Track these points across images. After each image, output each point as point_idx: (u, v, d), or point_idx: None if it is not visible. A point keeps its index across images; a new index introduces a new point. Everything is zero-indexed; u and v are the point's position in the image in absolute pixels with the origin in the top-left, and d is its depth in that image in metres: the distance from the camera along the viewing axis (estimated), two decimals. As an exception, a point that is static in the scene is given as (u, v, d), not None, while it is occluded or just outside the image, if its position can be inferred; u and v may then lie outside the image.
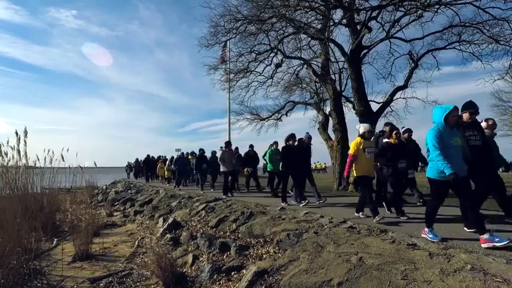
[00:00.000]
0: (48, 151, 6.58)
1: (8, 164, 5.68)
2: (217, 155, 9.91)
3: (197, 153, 10.84)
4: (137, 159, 21.00)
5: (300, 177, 6.45)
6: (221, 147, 9.64)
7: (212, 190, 9.88)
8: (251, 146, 9.99)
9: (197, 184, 11.53)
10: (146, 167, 16.68)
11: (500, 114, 18.55)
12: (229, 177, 8.50)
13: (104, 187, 18.51)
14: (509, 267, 2.22)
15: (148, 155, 16.91)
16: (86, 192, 11.79)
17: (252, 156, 9.98)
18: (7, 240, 3.58)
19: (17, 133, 5.47)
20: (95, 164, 7.19)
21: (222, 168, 8.38)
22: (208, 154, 11.01)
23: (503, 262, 2.32)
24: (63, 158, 6.65)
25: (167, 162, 13.83)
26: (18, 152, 5.59)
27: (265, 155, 9.17)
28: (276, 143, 8.58)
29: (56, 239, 5.74)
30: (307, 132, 7.07)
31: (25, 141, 5.57)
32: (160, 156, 16.63)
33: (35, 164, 6.41)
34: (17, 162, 5.74)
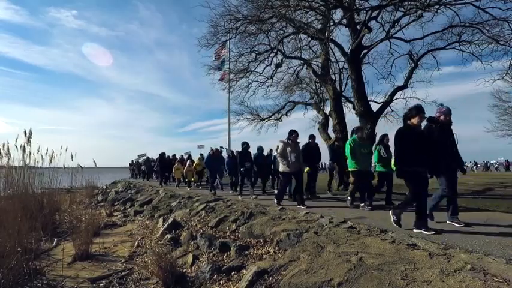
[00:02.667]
0: (47, 151, 6.58)
1: (13, 164, 5.70)
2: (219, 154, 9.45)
3: (216, 148, 9.56)
4: (148, 158, 18.24)
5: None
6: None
7: (254, 197, 7.44)
8: (312, 137, 7.43)
9: (233, 188, 9.31)
10: (161, 168, 13.66)
11: (500, 114, 18.56)
12: (290, 181, 6.29)
13: (104, 187, 18.51)
14: (509, 267, 2.22)
15: (163, 153, 13.94)
16: (86, 192, 11.80)
17: (313, 149, 7.33)
18: (7, 240, 3.58)
19: (25, 133, 5.54)
20: (95, 162, 7.18)
21: (282, 167, 5.98)
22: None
23: (503, 262, 2.32)
24: (72, 158, 6.70)
25: (187, 163, 12.21)
26: (24, 151, 5.62)
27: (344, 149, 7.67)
28: (359, 128, 5.99)
29: (56, 239, 5.74)
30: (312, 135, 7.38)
31: (30, 141, 5.61)
32: (174, 155, 14.50)
33: (38, 164, 6.42)
34: (20, 162, 5.77)
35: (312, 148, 7.22)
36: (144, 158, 18.68)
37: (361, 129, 5.73)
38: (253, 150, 8.52)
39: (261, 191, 8.83)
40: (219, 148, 9.98)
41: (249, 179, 8.09)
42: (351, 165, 5.57)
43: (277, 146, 8.36)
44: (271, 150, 9.22)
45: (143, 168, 18.40)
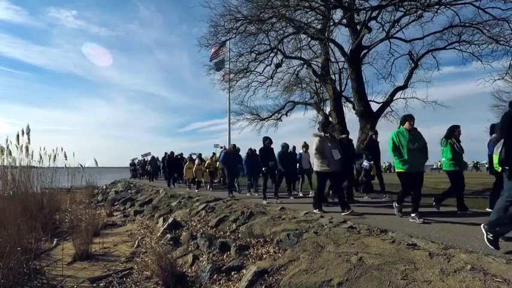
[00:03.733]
0: (45, 150, 6.59)
1: (15, 163, 5.71)
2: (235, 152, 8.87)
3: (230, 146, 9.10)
4: (153, 157, 17.04)
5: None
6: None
7: (277, 201, 6.51)
8: (347, 133, 7.02)
9: (252, 189, 8.55)
10: (170, 168, 12.55)
11: (500, 114, 18.56)
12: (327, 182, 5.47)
13: (104, 187, 18.52)
14: (509, 267, 2.22)
15: (172, 152, 12.91)
16: (86, 192, 11.80)
17: (347, 146, 6.31)
18: (7, 240, 3.58)
19: (23, 132, 5.49)
20: (96, 162, 7.18)
21: (317, 167, 5.05)
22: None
23: (503, 262, 2.32)
24: (66, 157, 6.68)
25: (196, 161, 11.05)
26: (27, 150, 5.62)
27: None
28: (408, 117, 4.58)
29: (56, 239, 5.74)
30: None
31: (29, 139, 5.59)
32: (182, 154, 13.61)
33: (39, 163, 6.43)
34: (20, 162, 5.77)
35: (345, 145, 6.13)
36: (149, 157, 17.67)
37: (412, 119, 4.45)
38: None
39: (286, 193, 7.67)
40: (235, 145, 9.49)
41: (274, 180, 7.25)
42: (397, 166, 4.41)
43: (304, 142, 8.11)
44: (294, 148, 8.33)
45: (148, 168, 17.26)
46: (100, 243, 5.53)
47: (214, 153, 12.37)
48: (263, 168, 7.05)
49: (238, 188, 9.43)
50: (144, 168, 19.11)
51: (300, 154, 8.12)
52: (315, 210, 5.02)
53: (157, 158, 16.87)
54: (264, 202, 6.46)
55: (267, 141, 7.17)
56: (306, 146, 8.14)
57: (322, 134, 5.12)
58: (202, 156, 11.69)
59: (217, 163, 10.95)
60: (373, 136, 6.85)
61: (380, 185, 6.92)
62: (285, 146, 7.37)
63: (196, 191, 9.90)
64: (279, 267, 3.10)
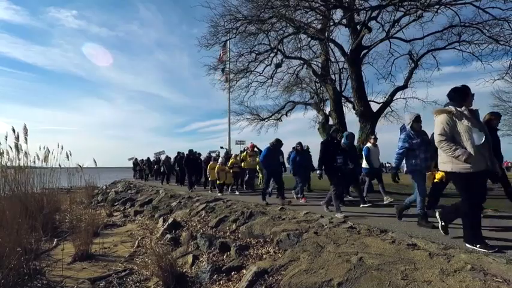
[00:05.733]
0: (44, 148, 6.56)
1: (11, 163, 5.68)
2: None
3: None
4: (167, 157, 14.66)
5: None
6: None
7: (342, 215, 4.54)
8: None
9: (299, 195, 6.87)
10: (189, 168, 10.64)
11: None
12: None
13: (104, 187, 18.51)
14: (509, 267, 2.22)
15: (191, 151, 11.00)
16: (86, 192, 11.80)
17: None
18: (7, 240, 3.58)
19: (14, 130, 5.31)
20: (95, 162, 7.15)
21: (451, 165, 3.02)
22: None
23: (503, 262, 2.32)
24: (68, 157, 6.65)
25: (219, 160, 9.24)
26: (17, 149, 5.54)
27: None
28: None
29: (56, 239, 5.74)
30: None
31: (26, 138, 5.50)
32: (199, 153, 11.69)
33: (38, 164, 6.41)
34: (17, 161, 5.74)
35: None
36: (163, 156, 15.51)
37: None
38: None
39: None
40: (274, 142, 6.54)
41: (355, 182, 5.87)
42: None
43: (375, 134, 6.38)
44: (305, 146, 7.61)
45: (162, 168, 14.76)
46: (100, 243, 5.53)
47: (241, 151, 10.85)
48: (320, 168, 5.16)
49: (270, 192, 7.55)
50: (151, 168, 17.34)
51: (368, 149, 6.46)
52: (441, 230, 3.21)
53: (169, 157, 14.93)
54: (339, 216, 4.52)
55: (334, 129, 5.68)
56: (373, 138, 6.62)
57: (453, 108, 3.37)
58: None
59: (242, 163, 9.53)
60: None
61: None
62: (349, 136, 5.66)
63: (220, 194, 8.43)
64: (279, 267, 3.10)
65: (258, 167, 9.66)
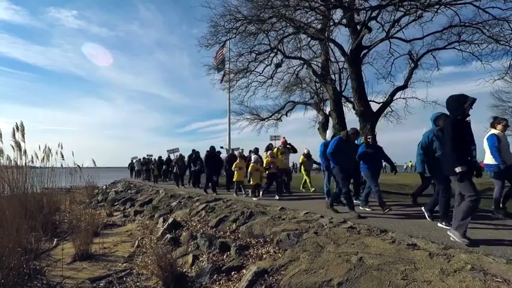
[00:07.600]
0: (45, 147, 6.55)
1: (10, 163, 5.67)
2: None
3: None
4: (181, 155, 13.07)
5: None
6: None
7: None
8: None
9: (364, 201, 5.51)
10: (209, 168, 9.28)
11: (500, 114, 18.60)
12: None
13: (104, 187, 18.51)
14: (509, 267, 2.22)
15: (212, 148, 9.43)
16: (86, 192, 11.80)
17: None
18: (7, 240, 3.58)
19: (17, 128, 5.30)
20: (94, 162, 7.13)
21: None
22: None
23: (503, 262, 2.32)
24: (63, 157, 6.63)
25: (252, 158, 7.90)
26: (19, 147, 5.52)
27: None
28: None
29: (56, 239, 5.74)
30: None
31: (23, 136, 5.46)
32: (218, 151, 9.84)
33: (37, 163, 6.40)
34: (17, 161, 5.73)
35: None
36: (177, 154, 13.65)
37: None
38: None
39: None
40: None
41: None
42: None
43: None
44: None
45: (175, 168, 12.88)
46: (100, 243, 5.53)
47: (266, 149, 8.95)
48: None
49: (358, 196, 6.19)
50: (160, 169, 15.61)
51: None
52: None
53: (181, 155, 13.37)
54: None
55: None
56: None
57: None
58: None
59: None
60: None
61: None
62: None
63: (255, 199, 7.14)
64: (279, 267, 3.10)
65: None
